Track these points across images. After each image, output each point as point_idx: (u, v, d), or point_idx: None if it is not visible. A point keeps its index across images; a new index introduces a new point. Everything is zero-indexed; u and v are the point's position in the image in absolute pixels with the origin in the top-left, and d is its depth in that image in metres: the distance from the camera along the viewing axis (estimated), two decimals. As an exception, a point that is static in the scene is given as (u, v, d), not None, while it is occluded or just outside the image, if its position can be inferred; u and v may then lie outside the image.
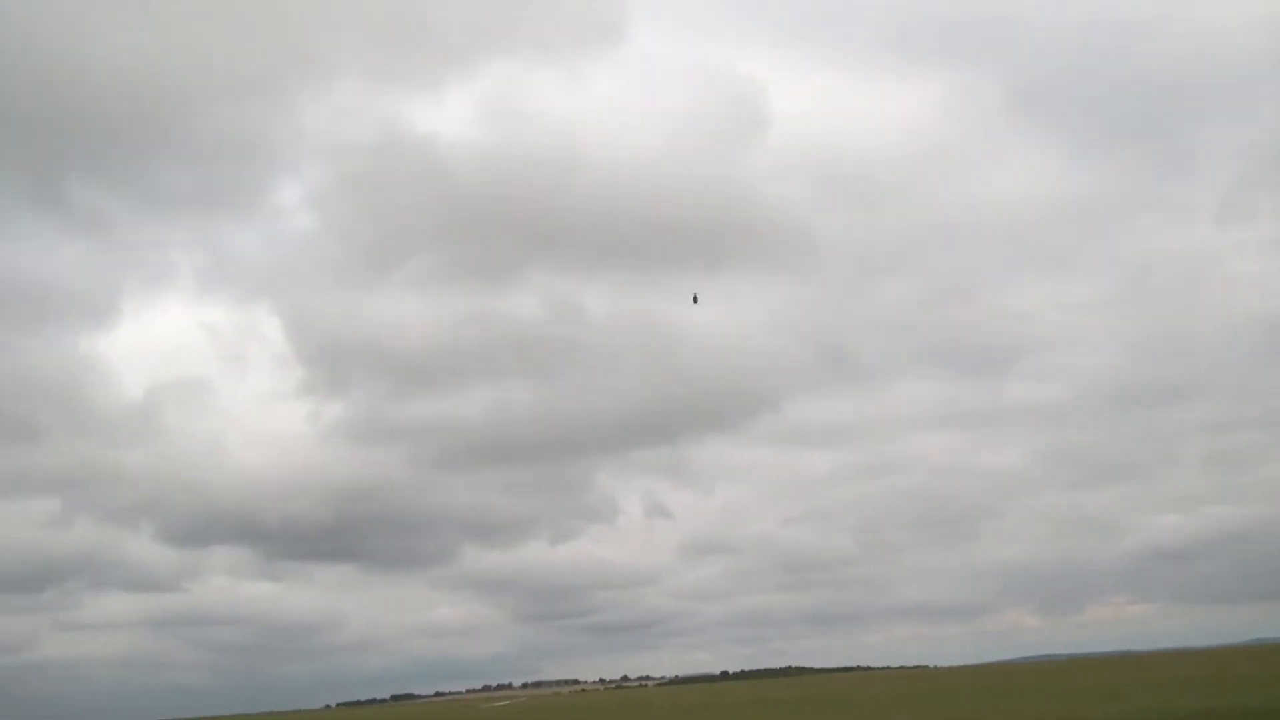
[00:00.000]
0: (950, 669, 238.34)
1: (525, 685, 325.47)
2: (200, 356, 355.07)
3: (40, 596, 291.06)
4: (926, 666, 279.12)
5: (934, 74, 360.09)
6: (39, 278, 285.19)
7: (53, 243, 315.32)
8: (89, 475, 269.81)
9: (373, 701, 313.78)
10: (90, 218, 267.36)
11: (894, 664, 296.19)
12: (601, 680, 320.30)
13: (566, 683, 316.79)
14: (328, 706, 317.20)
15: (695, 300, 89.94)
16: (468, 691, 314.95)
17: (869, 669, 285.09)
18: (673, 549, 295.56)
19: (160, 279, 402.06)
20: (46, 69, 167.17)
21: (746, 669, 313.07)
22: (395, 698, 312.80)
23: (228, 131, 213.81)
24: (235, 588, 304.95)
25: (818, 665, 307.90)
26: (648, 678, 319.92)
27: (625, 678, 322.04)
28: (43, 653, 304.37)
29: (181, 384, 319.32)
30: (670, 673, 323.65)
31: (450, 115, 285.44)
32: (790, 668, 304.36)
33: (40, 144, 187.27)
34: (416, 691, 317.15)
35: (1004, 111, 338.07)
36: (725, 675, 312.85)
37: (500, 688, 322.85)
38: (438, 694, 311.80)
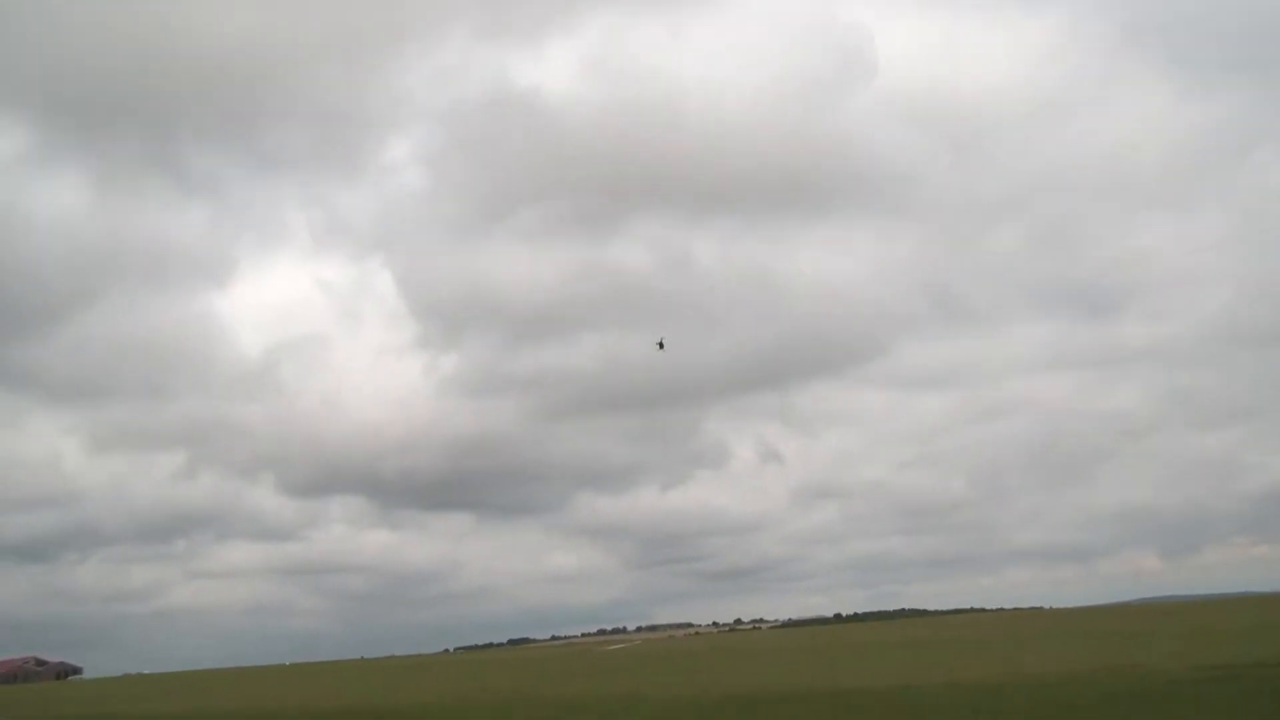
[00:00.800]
0: (1068, 610, 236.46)
1: (639, 629, 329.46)
2: (316, 313, 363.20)
3: (170, 546, 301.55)
4: (1042, 608, 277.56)
5: (1042, 14, 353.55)
6: (160, 240, 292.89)
7: (172, 206, 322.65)
8: (212, 430, 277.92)
9: (490, 646, 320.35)
10: (207, 181, 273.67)
11: (1010, 606, 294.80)
12: (715, 624, 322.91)
13: (680, 626, 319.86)
14: (446, 651, 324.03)
15: (661, 346, 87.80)
16: (583, 635, 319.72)
17: (984, 610, 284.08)
18: (784, 494, 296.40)
19: (275, 238, 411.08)
20: (161, 40, 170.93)
21: (860, 612, 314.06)
22: (512, 642, 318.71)
23: (337, 92, 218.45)
24: (354, 537, 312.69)
25: (932, 608, 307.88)
26: (761, 621, 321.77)
27: (739, 621, 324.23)
28: (174, 600, 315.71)
29: (298, 340, 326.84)
30: (784, 616, 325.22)
31: (554, 69, 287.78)
32: (905, 610, 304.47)
33: (157, 111, 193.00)
34: (533, 636, 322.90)
35: (1114, 49, 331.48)
36: (839, 618, 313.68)
37: (615, 631, 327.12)
38: (553, 638, 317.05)
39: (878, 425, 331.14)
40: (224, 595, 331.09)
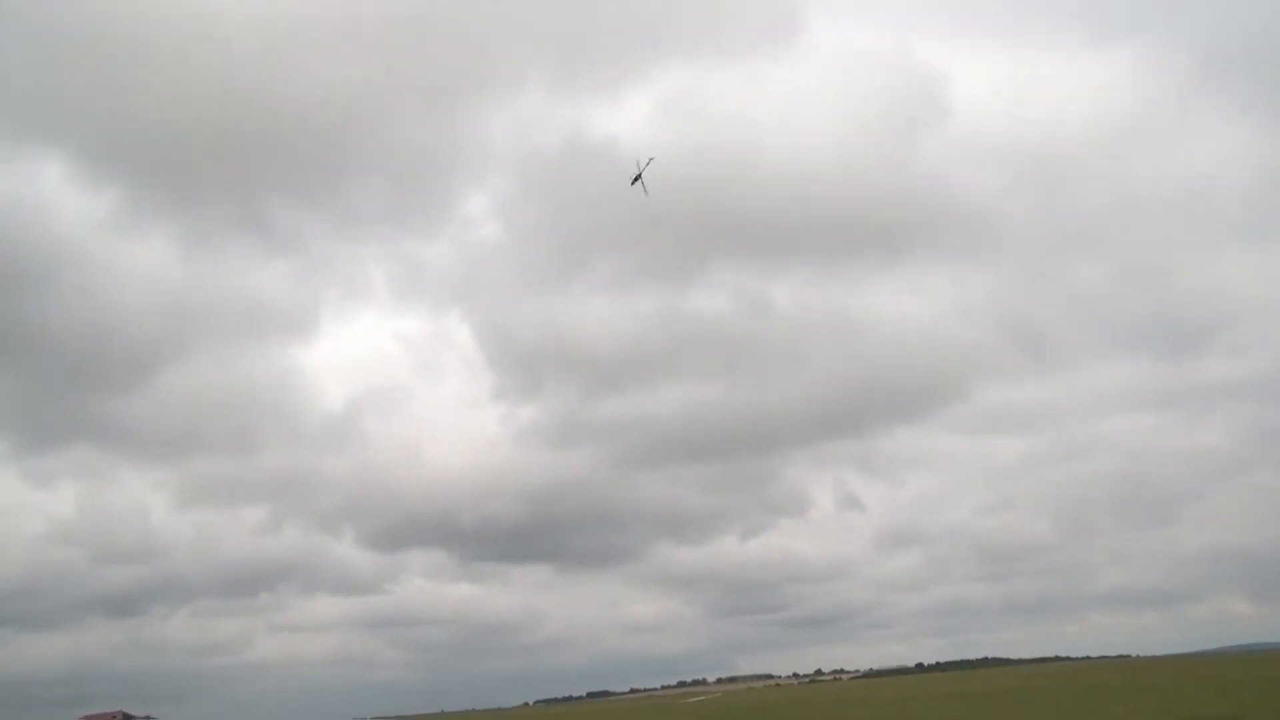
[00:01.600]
0: (1157, 659, 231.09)
1: (719, 680, 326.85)
2: (396, 365, 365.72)
3: (255, 600, 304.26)
4: (1129, 656, 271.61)
5: (1118, 47, 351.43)
6: (246, 296, 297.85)
7: (257, 262, 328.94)
8: (295, 483, 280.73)
9: (569, 699, 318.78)
10: (290, 237, 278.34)
11: (1095, 654, 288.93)
12: (795, 674, 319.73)
13: (760, 677, 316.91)
14: (526, 704, 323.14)
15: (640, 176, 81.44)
16: (662, 688, 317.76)
17: (1069, 659, 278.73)
18: (865, 541, 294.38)
19: (357, 292, 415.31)
20: (244, 97, 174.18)
21: (942, 661, 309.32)
22: (591, 695, 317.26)
23: (416, 147, 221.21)
24: (435, 589, 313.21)
25: (1016, 656, 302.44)
26: (842, 671, 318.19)
27: (819, 671, 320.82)
28: (260, 653, 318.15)
29: (379, 392, 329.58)
30: (865, 666, 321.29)
31: (630, 118, 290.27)
32: (987, 659, 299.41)
33: (243, 170, 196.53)
34: (612, 689, 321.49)
35: (1193, 81, 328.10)
36: (920, 668, 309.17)
37: (695, 683, 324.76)
38: (633, 690, 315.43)
39: (958, 469, 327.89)
40: (307, 648, 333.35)
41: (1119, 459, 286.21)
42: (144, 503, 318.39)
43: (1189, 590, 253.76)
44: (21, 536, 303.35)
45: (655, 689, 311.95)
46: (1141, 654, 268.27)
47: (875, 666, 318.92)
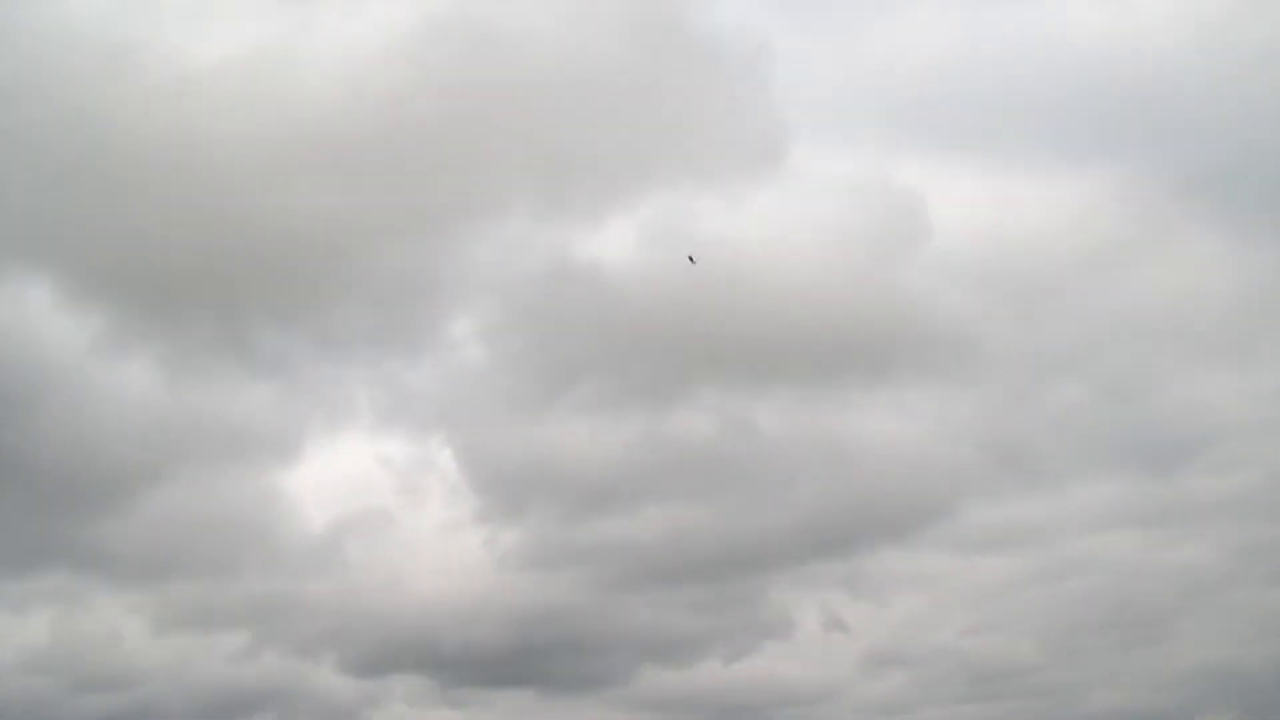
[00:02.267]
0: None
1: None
2: (379, 489, 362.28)
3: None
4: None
5: (1094, 169, 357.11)
6: (228, 418, 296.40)
7: (241, 385, 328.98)
8: (275, 608, 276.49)
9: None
10: (274, 360, 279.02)
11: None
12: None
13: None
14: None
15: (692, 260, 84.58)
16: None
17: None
18: (851, 663, 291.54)
19: (341, 416, 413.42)
20: (230, 221, 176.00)
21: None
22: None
23: (401, 272, 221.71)
24: (416, 716, 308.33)
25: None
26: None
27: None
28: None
29: (361, 517, 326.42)
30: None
31: (613, 243, 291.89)
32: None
33: (227, 293, 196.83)
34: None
35: (1170, 202, 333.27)
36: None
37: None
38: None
39: (944, 589, 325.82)
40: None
41: (1105, 577, 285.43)
42: (119, 628, 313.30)
43: (1179, 710, 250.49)
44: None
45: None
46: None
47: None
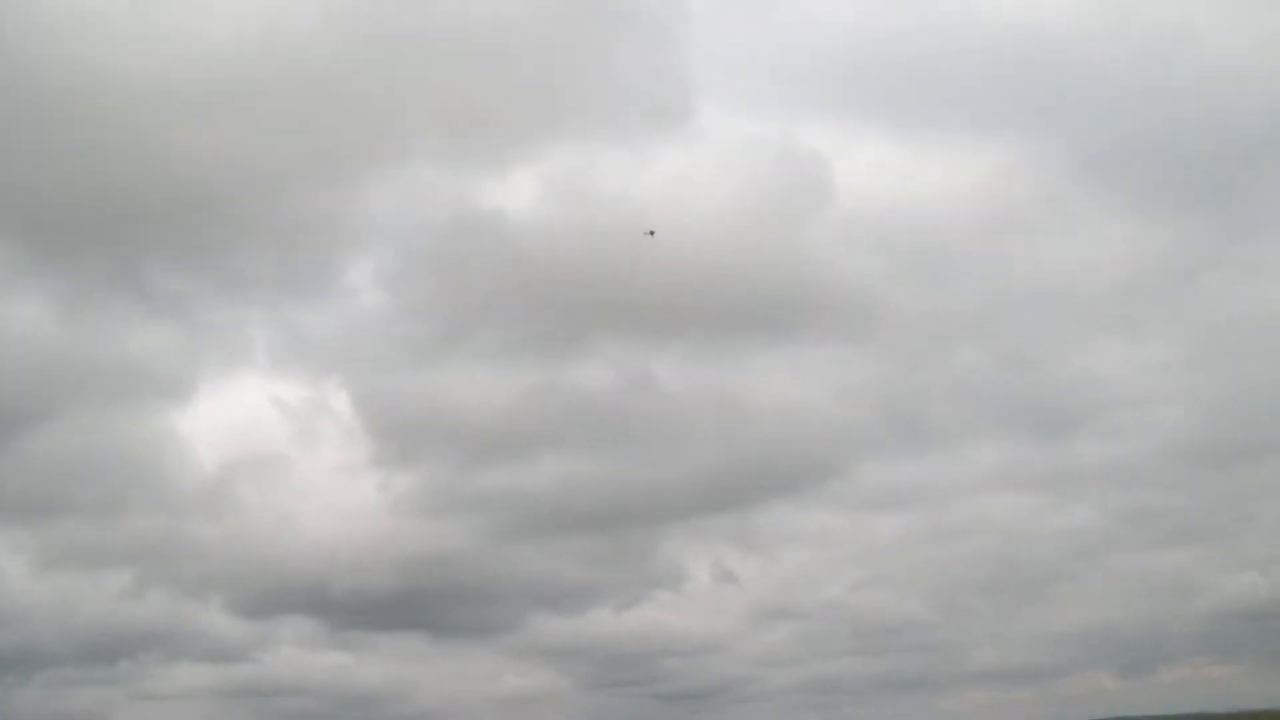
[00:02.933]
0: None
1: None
2: (273, 432, 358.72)
3: (114, 668, 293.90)
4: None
5: (999, 141, 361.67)
6: (120, 357, 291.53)
7: (133, 324, 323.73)
8: (163, 548, 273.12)
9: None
10: (170, 300, 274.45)
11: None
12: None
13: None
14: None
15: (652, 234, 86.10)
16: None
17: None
18: (740, 615, 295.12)
19: (236, 358, 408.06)
20: (128, 159, 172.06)
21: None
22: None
23: (302, 215, 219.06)
24: (305, 658, 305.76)
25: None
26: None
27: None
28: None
29: (254, 459, 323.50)
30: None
31: (518, 193, 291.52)
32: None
33: (122, 231, 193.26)
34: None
35: (1072, 176, 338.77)
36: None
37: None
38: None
39: (835, 546, 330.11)
40: (170, 717, 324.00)
41: (993, 538, 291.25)
42: (0, 566, 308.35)
43: (1058, 666, 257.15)
44: None
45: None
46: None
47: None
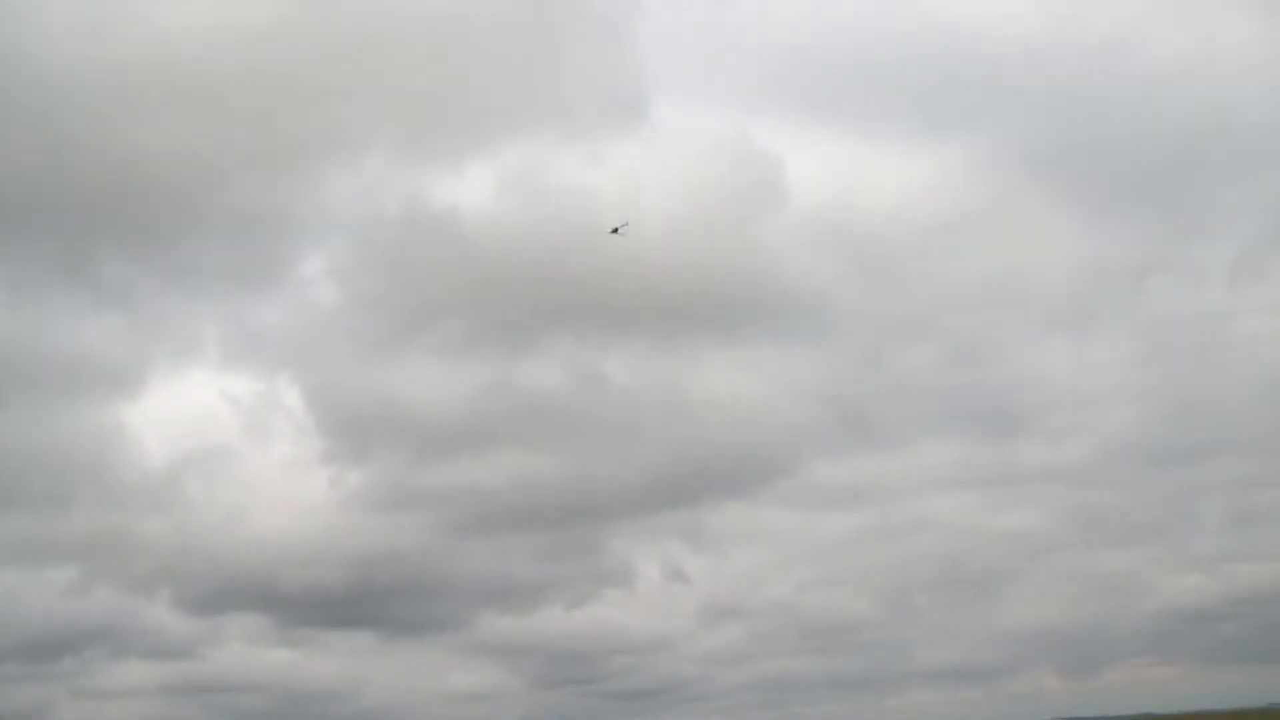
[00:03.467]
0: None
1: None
2: (223, 426, 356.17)
3: (57, 665, 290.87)
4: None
5: (950, 141, 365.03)
6: (68, 349, 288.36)
7: (82, 315, 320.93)
8: (109, 543, 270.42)
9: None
10: (119, 291, 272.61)
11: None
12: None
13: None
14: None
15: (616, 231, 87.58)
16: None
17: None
18: (690, 613, 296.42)
19: (186, 351, 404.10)
20: (76, 147, 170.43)
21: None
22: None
23: (254, 208, 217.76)
24: (253, 655, 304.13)
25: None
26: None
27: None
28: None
29: (204, 453, 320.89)
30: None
31: (472, 189, 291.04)
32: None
33: (70, 220, 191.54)
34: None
35: (1019, 177, 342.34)
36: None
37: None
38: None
39: (784, 544, 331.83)
40: (112, 715, 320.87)
41: (940, 537, 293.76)
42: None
43: (1004, 666, 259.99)
44: None
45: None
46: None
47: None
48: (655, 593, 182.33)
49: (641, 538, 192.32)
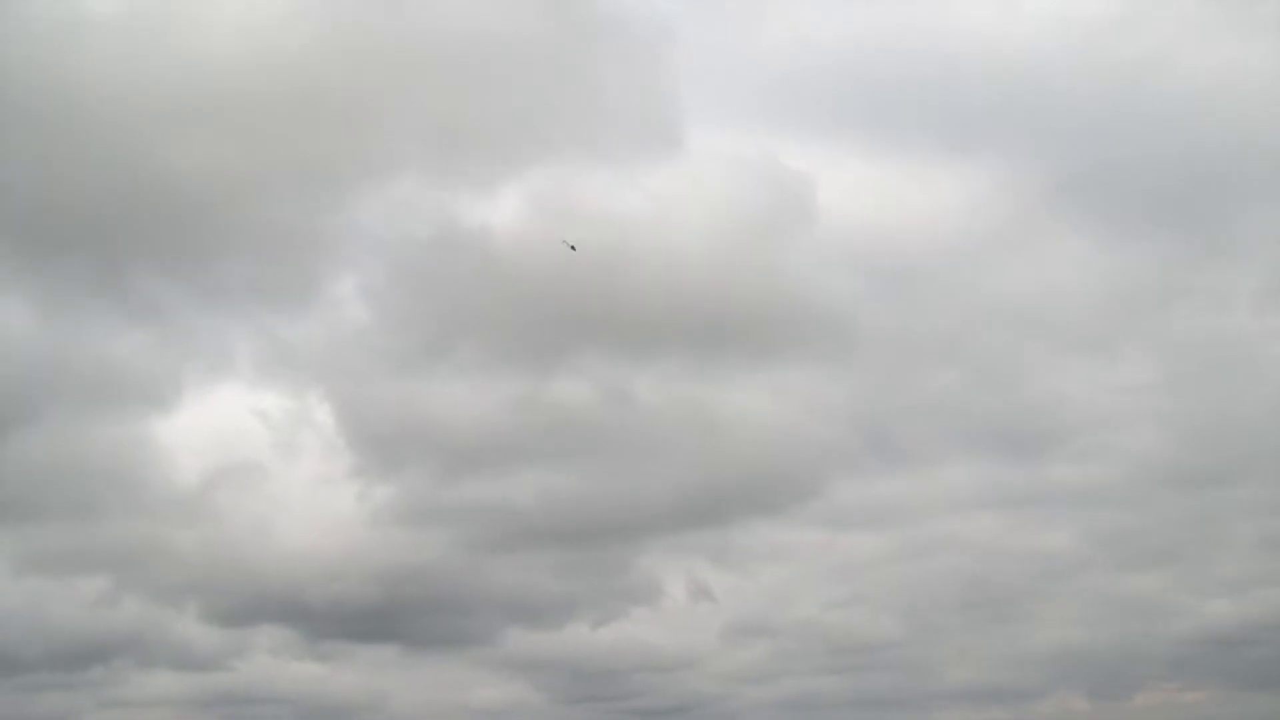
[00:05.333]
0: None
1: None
2: (253, 442, 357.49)
3: (86, 674, 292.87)
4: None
5: (975, 164, 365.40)
6: (102, 364, 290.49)
7: (116, 331, 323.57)
8: (140, 555, 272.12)
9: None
10: (153, 308, 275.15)
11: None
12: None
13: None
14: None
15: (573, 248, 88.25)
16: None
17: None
18: (715, 632, 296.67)
19: (219, 367, 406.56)
20: (113, 167, 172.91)
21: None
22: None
23: (287, 227, 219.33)
24: (280, 667, 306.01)
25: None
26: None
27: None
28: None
29: (234, 468, 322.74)
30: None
31: (502, 210, 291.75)
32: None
33: (105, 237, 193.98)
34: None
35: (1045, 199, 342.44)
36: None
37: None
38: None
39: (810, 563, 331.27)
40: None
41: (966, 558, 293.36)
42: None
43: (1031, 687, 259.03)
44: None
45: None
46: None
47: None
48: (680, 611, 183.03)
49: (667, 556, 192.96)
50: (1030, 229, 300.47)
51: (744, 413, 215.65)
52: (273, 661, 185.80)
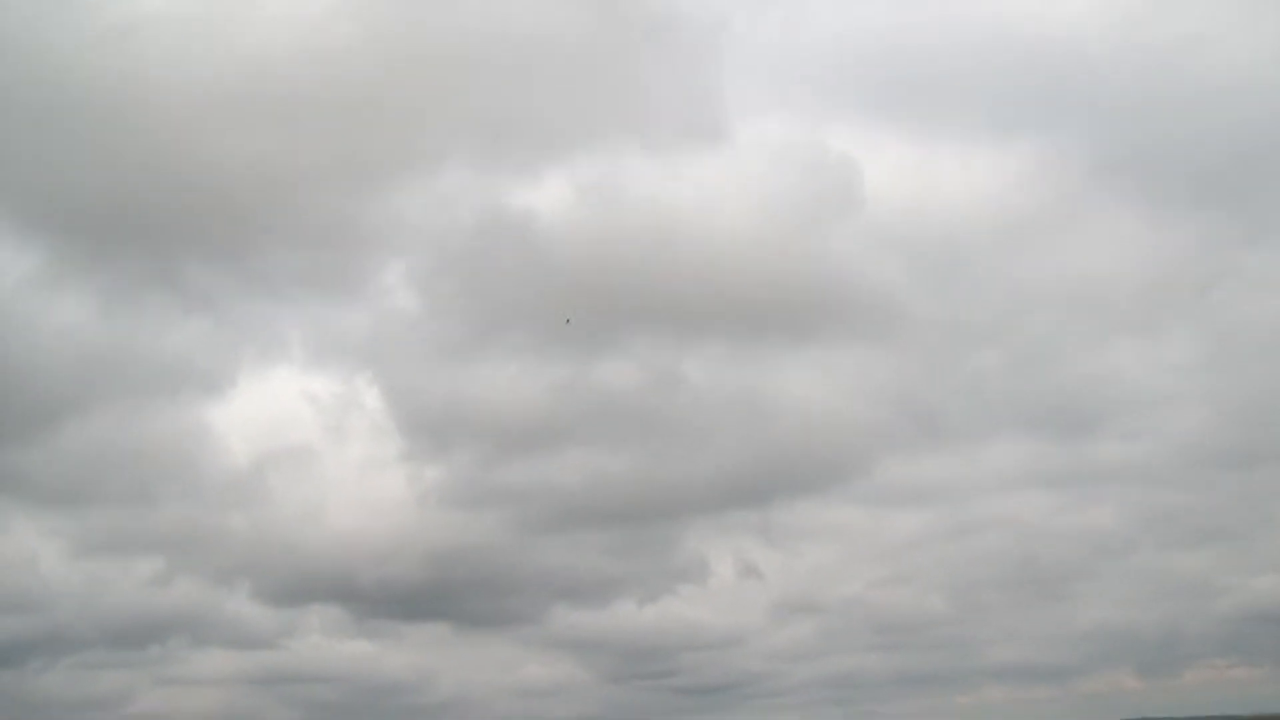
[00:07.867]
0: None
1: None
2: (305, 426, 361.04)
3: (142, 652, 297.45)
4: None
5: (1018, 145, 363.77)
6: (158, 353, 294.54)
7: (171, 321, 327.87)
8: (194, 537, 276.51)
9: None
10: (207, 297, 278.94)
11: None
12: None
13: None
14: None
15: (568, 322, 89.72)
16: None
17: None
18: (762, 609, 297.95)
19: (271, 354, 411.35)
20: (166, 162, 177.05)
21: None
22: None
23: (336, 217, 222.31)
24: (330, 646, 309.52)
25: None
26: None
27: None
28: (142, 706, 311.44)
29: (286, 452, 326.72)
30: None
31: (549, 197, 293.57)
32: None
33: (161, 232, 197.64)
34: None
35: (1088, 180, 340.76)
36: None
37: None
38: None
39: (857, 542, 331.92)
40: (193, 702, 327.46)
41: (1012, 536, 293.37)
42: (34, 552, 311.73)
43: (1078, 665, 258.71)
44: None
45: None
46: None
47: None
48: (727, 589, 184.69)
49: (715, 535, 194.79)
50: (1074, 210, 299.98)
51: (790, 394, 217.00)
52: (324, 640, 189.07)
